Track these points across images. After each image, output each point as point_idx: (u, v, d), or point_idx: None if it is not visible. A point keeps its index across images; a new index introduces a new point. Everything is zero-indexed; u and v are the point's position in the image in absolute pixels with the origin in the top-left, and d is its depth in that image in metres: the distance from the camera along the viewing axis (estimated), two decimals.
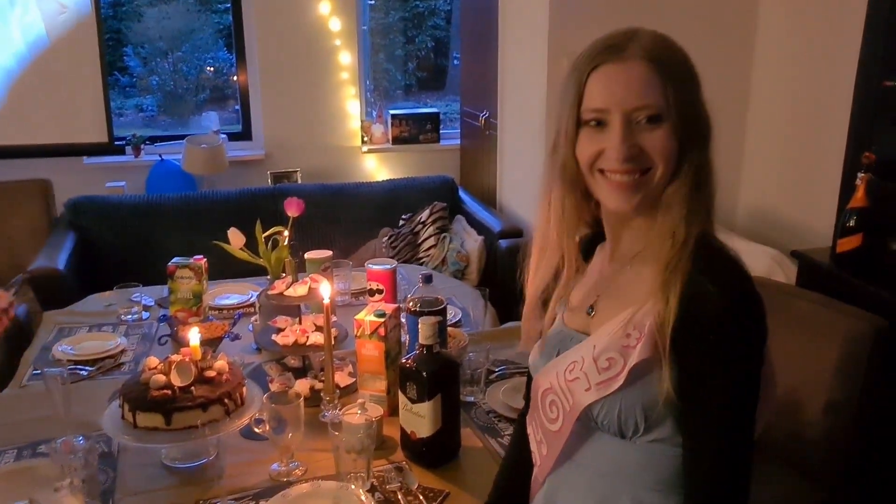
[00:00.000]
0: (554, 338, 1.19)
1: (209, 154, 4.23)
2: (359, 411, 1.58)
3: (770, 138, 3.20)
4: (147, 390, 1.51)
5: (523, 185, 3.51)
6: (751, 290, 1.00)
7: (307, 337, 1.82)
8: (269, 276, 2.15)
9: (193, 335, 1.59)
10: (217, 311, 2.47)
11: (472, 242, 3.37)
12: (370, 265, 1.98)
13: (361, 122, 4.69)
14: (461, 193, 3.95)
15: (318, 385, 1.81)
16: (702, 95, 1.05)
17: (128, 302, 2.48)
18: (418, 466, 1.55)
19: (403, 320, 1.80)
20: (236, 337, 2.16)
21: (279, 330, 1.88)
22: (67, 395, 1.64)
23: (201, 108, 5.35)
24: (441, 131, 4.84)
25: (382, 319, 1.69)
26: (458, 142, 4.77)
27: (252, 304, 2.53)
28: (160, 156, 4.32)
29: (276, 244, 2.13)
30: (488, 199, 3.90)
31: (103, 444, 1.61)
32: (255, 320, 2.24)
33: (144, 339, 2.30)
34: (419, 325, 1.52)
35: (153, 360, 1.60)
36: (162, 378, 1.52)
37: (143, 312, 2.47)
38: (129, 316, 2.44)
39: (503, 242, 3.15)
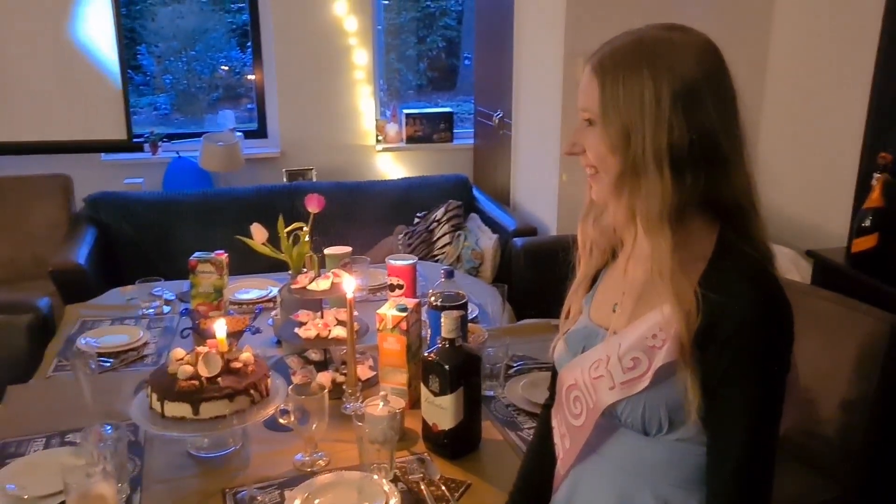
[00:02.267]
0: (579, 333, 1.20)
1: (226, 152, 4.27)
2: (381, 403, 1.61)
3: (785, 138, 3.21)
4: (175, 381, 1.54)
5: (536, 184, 3.53)
6: (780, 295, 1.01)
7: (329, 331, 1.85)
8: (290, 272, 2.17)
9: (220, 327, 1.62)
10: (237, 306, 2.51)
11: (487, 240, 3.40)
12: (391, 261, 2.01)
13: (376, 120, 4.72)
14: (475, 192, 3.98)
15: (340, 378, 1.84)
16: (676, 107, 1.00)
17: (149, 296, 2.52)
18: (440, 458, 1.58)
19: (425, 315, 1.83)
20: (257, 331, 2.19)
21: (301, 324, 1.91)
22: (93, 384, 1.67)
23: (215, 106, 5.40)
24: (454, 131, 4.86)
25: (404, 314, 1.72)
26: (472, 141, 4.81)
27: (272, 299, 2.56)
28: (177, 153, 4.36)
29: (297, 240, 2.16)
30: (502, 198, 3.93)
31: (131, 433, 1.65)
32: (276, 315, 2.27)
33: (166, 333, 2.34)
34: (442, 319, 1.55)
35: (179, 352, 1.63)
36: (189, 369, 1.55)
37: (164, 306, 2.51)
38: (150, 310, 2.48)
39: (518, 241, 3.18)
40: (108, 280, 3.09)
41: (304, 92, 4.54)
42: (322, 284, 1.86)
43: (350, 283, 1.70)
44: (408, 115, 4.78)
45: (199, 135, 4.46)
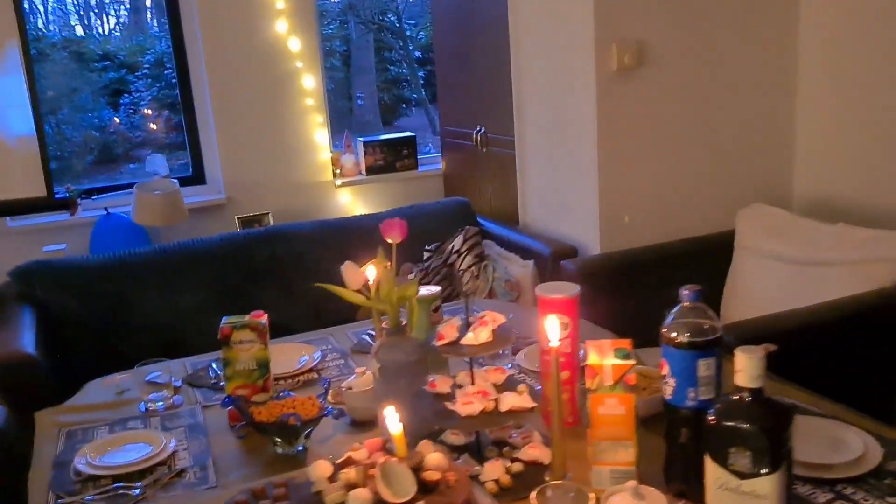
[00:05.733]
0: None
1: (165, 202, 3.57)
2: (633, 498, 1.07)
3: (822, 120, 2.92)
4: None
5: (562, 201, 3.05)
6: None
7: (495, 402, 1.27)
8: (372, 323, 1.59)
9: (391, 419, 1.02)
10: (279, 381, 1.88)
11: (520, 268, 2.88)
12: (542, 293, 1.46)
13: (331, 153, 4.14)
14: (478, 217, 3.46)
15: (514, 467, 1.27)
16: None
17: (146, 385, 1.84)
18: None
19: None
20: (340, 414, 1.58)
21: (442, 395, 1.32)
22: None
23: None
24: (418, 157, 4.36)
25: (630, 362, 1.19)
26: (439, 166, 4.31)
27: (314, 369, 1.95)
28: (105, 209, 3.62)
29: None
30: (506, 221, 3.43)
31: None
32: (347, 387, 1.67)
33: (193, 433, 1.68)
34: (740, 360, 1.02)
35: (325, 466, 1.02)
36: (366, 494, 0.95)
37: (175, 396, 1.84)
38: (159, 403, 1.81)
39: (567, 264, 2.68)
40: (56, 373, 2.36)
41: (247, 126, 3.92)
42: (482, 335, 1.29)
43: (554, 327, 1.15)
44: (366, 144, 4.23)
45: (123, 187, 3.75)
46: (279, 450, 1.55)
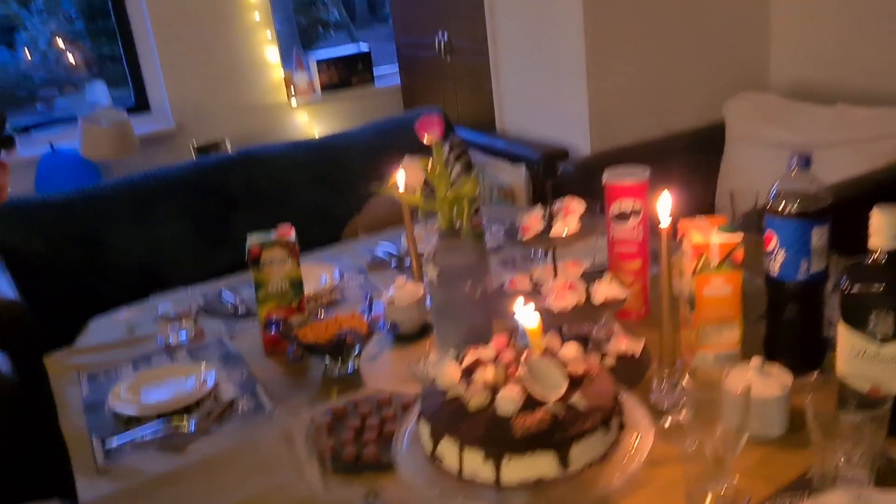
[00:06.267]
0: None
1: (115, 133, 3.32)
2: (756, 374, 1.03)
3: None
4: (499, 422, 0.86)
5: (546, 104, 2.95)
6: None
7: (587, 294, 1.20)
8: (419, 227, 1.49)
9: (525, 313, 0.94)
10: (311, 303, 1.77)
11: (510, 174, 2.80)
12: (611, 179, 1.38)
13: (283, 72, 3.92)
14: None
15: (607, 362, 1.21)
16: None
17: (161, 320, 1.71)
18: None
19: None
20: (394, 327, 1.49)
21: (519, 292, 1.25)
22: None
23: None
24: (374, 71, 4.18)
25: (738, 237, 1.13)
26: (397, 81, 4.14)
27: (335, 289, 1.85)
28: (50, 145, 3.34)
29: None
30: (483, 128, 3.32)
31: None
32: (388, 301, 1.58)
33: (229, 363, 1.57)
34: (879, 220, 0.97)
35: (454, 369, 0.94)
36: (515, 392, 0.87)
37: (187, 325, 1.70)
38: (181, 334, 1.68)
39: (567, 166, 2.61)
40: (43, 316, 2.18)
41: (191, 47, 3.66)
42: (571, 224, 1.20)
43: (666, 204, 1.07)
44: (319, 62, 4.02)
45: (63, 122, 3.48)
46: (331, 372, 1.46)
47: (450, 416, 0.88)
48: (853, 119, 2.37)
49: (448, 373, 0.93)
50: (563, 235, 1.19)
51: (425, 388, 0.96)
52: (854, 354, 1.01)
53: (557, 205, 1.24)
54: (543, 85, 2.94)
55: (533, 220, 1.21)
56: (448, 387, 0.92)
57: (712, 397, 0.93)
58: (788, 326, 1.17)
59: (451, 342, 1.39)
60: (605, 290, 1.19)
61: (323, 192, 2.92)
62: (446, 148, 2.89)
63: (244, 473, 1.16)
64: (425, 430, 0.91)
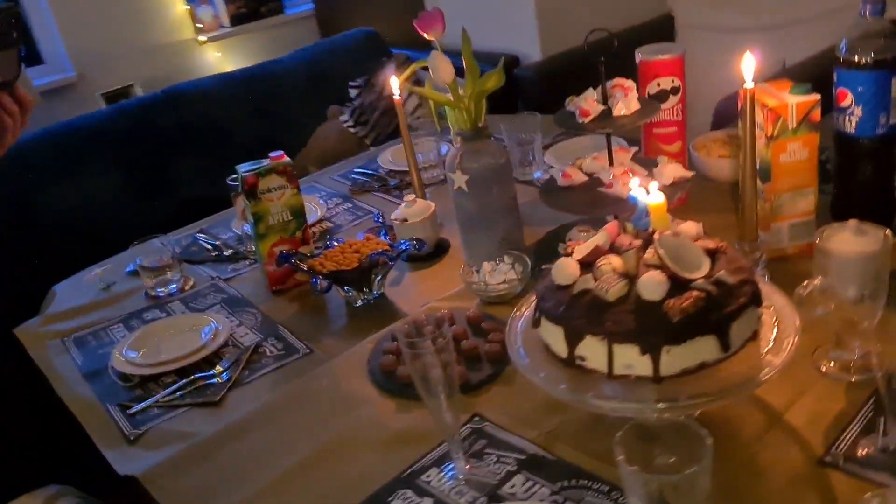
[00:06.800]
0: None
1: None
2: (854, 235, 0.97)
3: None
4: (647, 307, 0.77)
5: (481, 12, 2.81)
6: None
7: (650, 179, 1.12)
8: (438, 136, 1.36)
9: (650, 192, 0.84)
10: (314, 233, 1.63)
11: None
12: (646, 56, 1.28)
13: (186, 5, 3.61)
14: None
15: None
16: None
17: (141, 271, 1.52)
18: None
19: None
20: (421, 244, 1.37)
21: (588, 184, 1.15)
22: None
23: None
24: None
25: (815, 96, 1.06)
26: (310, 6, 3.89)
27: (324, 219, 1.70)
28: None
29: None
30: (414, 47, 3.15)
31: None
32: (400, 220, 1.45)
33: (235, 307, 1.42)
34: None
35: (571, 264, 0.84)
36: (659, 276, 0.78)
37: (174, 274, 1.52)
38: (172, 285, 1.50)
39: (523, 72, 2.50)
40: None
41: None
42: (632, 104, 1.10)
43: (750, 64, 0.99)
44: None
45: None
46: (353, 301, 1.34)
47: (587, 313, 0.78)
48: None
49: (568, 267, 0.82)
50: (628, 115, 1.08)
51: (540, 289, 0.86)
52: None
53: (609, 84, 1.14)
54: None
55: (590, 103, 1.10)
56: (570, 282, 0.82)
57: (828, 264, 0.86)
58: (860, 187, 1.13)
59: (483, 253, 1.30)
60: (671, 170, 1.11)
61: (264, 126, 2.71)
62: (392, 67, 2.74)
63: (317, 416, 1.03)
64: (555, 333, 0.81)
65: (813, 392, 0.87)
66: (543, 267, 0.95)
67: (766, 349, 0.79)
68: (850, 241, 0.87)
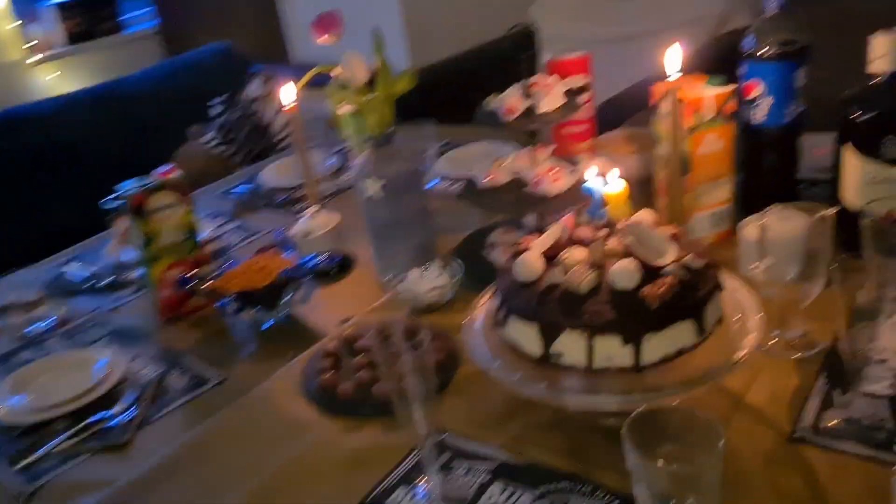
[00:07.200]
0: None
1: None
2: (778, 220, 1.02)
3: None
4: (622, 297, 0.75)
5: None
6: None
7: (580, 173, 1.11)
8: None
9: (610, 181, 0.82)
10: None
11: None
12: (555, 57, 1.27)
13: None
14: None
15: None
16: None
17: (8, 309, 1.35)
18: None
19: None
20: (332, 256, 1.29)
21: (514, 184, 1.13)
22: None
23: None
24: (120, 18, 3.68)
25: (731, 87, 1.09)
26: (153, 23, 3.69)
27: (212, 239, 1.58)
28: None
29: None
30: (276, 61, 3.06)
31: None
32: (303, 234, 1.38)
33: (125, 339, 1.28)
34: (882, 44, 0.98)
35: (536, 260, 0.80)
36: (631, 265, 0.76)
37: (48, 308, 1.36)
38: (49, 319, 1.34)
39: None
40: None
41: None
42: (555, 100, 1.09)
43: (675, 57, 1.00)
44: (59, 7, 3.44)
45: None
46: (261, 322, 1.24)
47: (562, 307, 0.75)
48: (666, 4, 2.48)
49: (532, 262, 0.79)
50: (553, 111, 1.07)
51: (503, 287, 0.82)
52: (866, 181, 1.02)
53: (530, 81, 1.12)
54: (347, 4, 2.74)
55: (514, 101, 1.08)
56: (535, 277, 0.79)
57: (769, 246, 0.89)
58: (767, 177, 1.17)
59: (398, 263, 1.25)
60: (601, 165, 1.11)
61: (117, 148, 2.51)
62: (257, 83, 2.63)
63: (256, 449, 0.93)
64: (527, 332, 0.77)
65: (767, 372, 0.89)
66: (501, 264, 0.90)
67: (735, 330, 0.80)
68: (789, 220, 0.90)
